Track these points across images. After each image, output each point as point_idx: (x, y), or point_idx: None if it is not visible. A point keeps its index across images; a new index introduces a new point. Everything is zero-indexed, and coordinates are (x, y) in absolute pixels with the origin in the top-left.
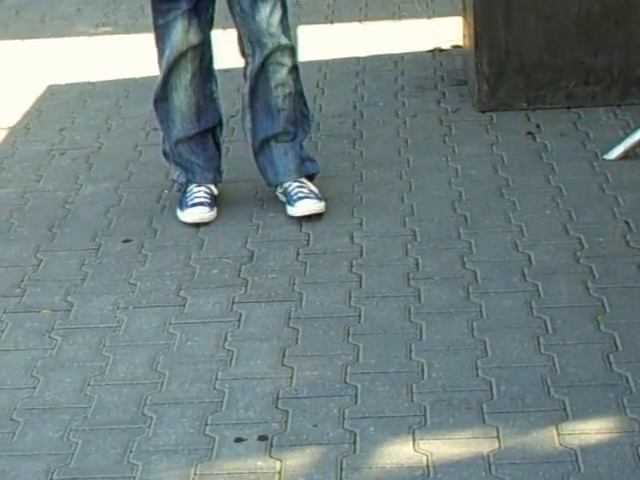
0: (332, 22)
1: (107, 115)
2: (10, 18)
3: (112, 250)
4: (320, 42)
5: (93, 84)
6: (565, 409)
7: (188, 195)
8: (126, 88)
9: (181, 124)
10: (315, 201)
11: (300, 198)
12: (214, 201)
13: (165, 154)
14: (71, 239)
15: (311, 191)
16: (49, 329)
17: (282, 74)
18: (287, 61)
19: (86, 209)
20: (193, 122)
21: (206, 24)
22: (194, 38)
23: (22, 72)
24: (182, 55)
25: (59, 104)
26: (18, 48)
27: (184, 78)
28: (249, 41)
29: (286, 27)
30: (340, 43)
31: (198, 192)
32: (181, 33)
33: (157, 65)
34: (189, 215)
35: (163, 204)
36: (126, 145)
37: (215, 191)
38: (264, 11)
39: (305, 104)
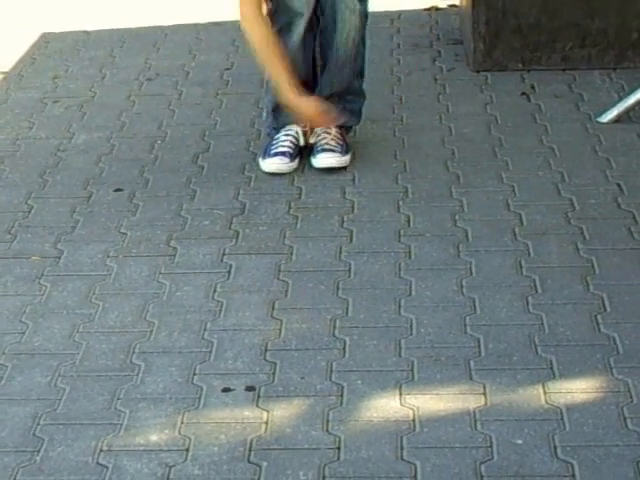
0: None
1: (101, 64)
2: None
3: (103, 199)
4: None
5: (87, 33)
6: (552, 368)
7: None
8: (121, 38)
9: None
10: (337, 155)
11: (323, 150)
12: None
13: None
14: (62, 187)
15: (338, 144)
16: (39, 275)
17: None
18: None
19: (78, 157)
20: None
21: None
22: None
23: (16, 19)
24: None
25: (53, 52)
26: None
27: None
28: None
29: None
30: None
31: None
32: None
33: None
34: (268, 164)
35: (155, 154)
36: (120, 95)
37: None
38: None
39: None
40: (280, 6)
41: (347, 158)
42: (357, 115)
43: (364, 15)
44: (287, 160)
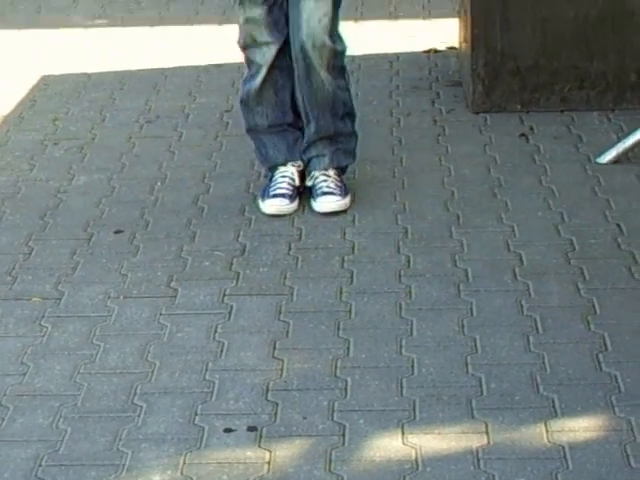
0: None
1: (101, 106)
2: (6, 8)
3: (104, 240)
4: None
5: (88, 75)
6: (554, 406)
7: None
8: (121, 80)
9: None
10: (338, 198)
11: (324, 193)
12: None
13: None
14: (63, 228)
15: (337, 186)
16: (39, 317)
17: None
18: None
19: (78, 199)
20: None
21: None
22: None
23: (17, 62)
24: None
25: (53, 94)
26: (13, 38)
27: None
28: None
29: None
30: None
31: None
32: None
33: None
34: (268, 206)
35: (156, 196)
36: (120, 137)
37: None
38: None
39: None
40: (247, 57)
41: (347, 201)
42: (351, 154)
43: (336, 67)
44: (287, 202)
